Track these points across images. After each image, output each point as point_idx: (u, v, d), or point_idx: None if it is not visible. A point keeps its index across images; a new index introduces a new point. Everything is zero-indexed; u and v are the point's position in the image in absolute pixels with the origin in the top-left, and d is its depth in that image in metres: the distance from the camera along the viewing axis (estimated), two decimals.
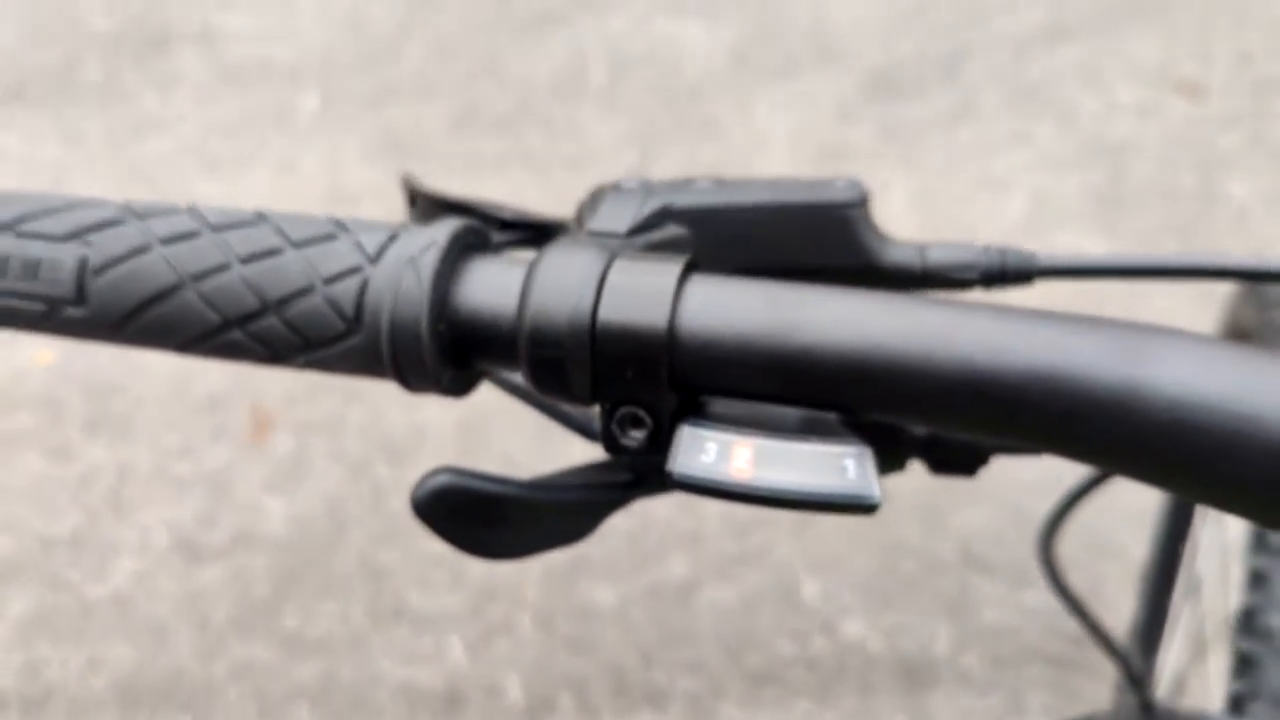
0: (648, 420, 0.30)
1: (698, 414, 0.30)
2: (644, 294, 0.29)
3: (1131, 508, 1.22)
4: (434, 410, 1.57)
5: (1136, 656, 0.75)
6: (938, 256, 0.37)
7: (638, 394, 0.30)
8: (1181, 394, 0.25)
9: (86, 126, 1.96)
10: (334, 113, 1.94)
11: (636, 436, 0.30)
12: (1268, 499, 0.25)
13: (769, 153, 1.81)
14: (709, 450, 0.29)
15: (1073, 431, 0.26)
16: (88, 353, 1.62)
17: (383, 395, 1.59)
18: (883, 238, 0.37)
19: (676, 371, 0.29)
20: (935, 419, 0.29)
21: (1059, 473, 1.33)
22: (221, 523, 1.50)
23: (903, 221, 1.63)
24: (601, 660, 1.35)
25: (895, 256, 0.36)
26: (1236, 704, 0.60)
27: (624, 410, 0.30)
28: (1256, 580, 0.67)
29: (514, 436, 1.53)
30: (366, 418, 1.58)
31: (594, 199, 0.38)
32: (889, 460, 0.36)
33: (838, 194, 0.35)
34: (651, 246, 0.34)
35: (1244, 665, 0.62)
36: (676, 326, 0.29)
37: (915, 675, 1.30)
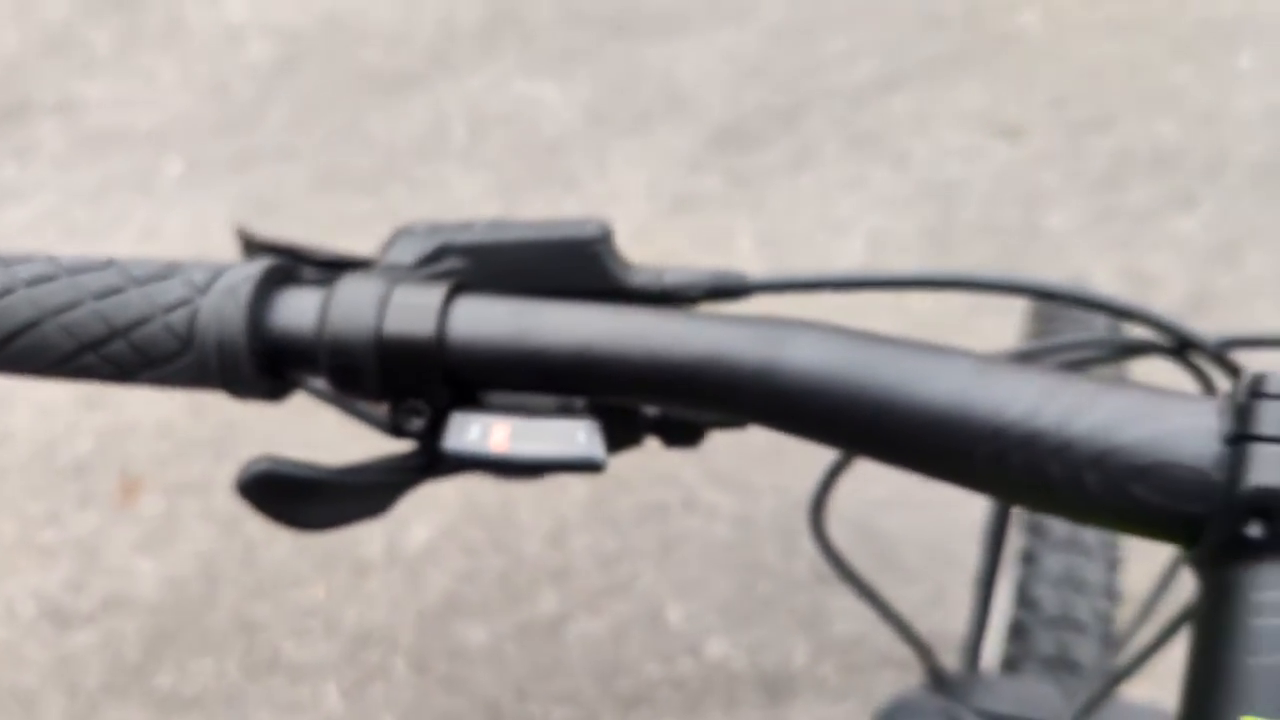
0: (426, 410, 0.37)
1: (469, 404, 0.38)
2: (417, 310, 0.36)
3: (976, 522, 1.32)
4: None
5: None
6: (670, 279, 0.44)
7: (417, 390, 0.37)
8: (805, 368, 0.33)
9: None
10: (197, 177, 1.96)
11: (417, 424, 0.37)
12: (890, 448, 0.33)
13: (626, 203, 1.89)
14: (473, 430, 0.37)
15: (736, 401, 0.34)
16: None
17: (252, 451, 1.61)
18: (626, 265, 0.44)
19: (446, 371, 0.36)
20: (644, 398, 0.36)
21: (905, 490, 1.43)
22: (91, 587, 1.49)
23: (750, 261, 1.73)
24: (476, 697, 1.39)
25: (636, 280, 0.44)
26: (1010, 664, 0.68)
27: (407, 404, 0.37)
28: (1026, 558, 0.76)
29: None
30: (234, 474, 1.59)
31: (390, 240, 0.45)
32: (627, 436, 0.43)
33: (586, 232, 0.43)
34: (433, 275, 0.41)
35: (1016, 631, 0.70)
36: (444, 335, 0.36)
37: (775, 687, 1.37)
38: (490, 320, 0.36)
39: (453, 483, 1.49)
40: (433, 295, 0.36)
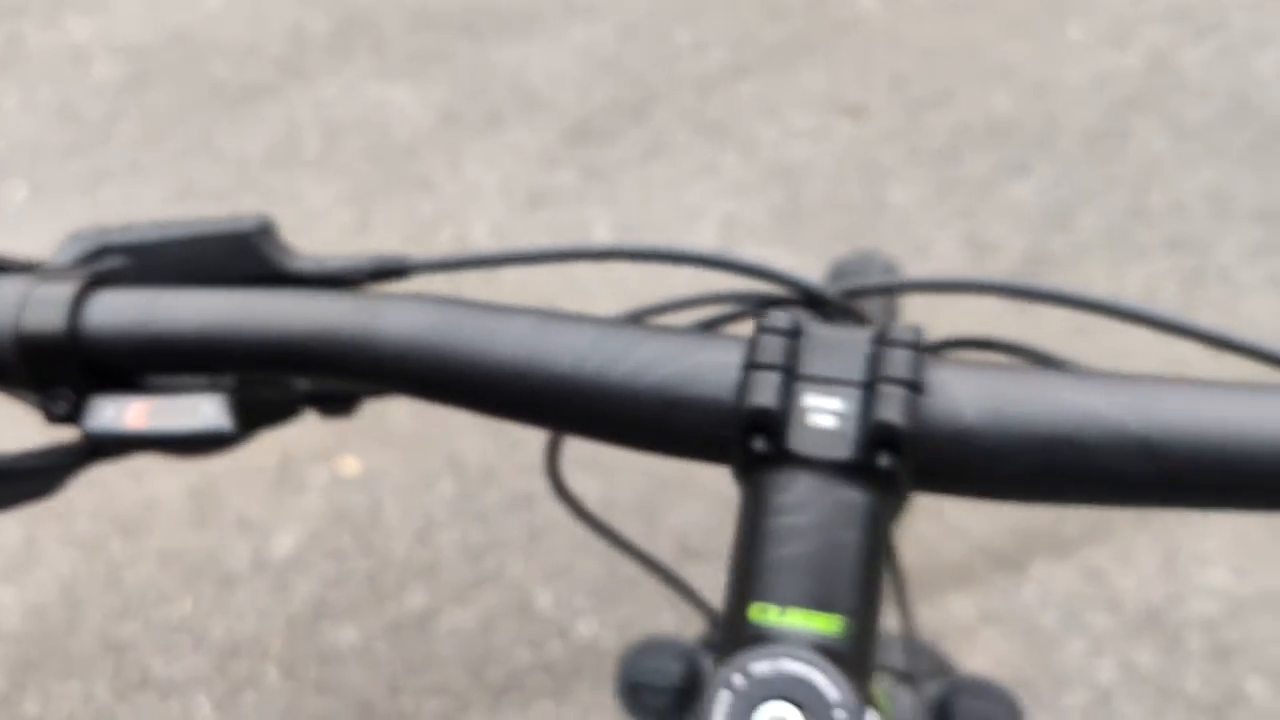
0: (71, 395, 0.40)
1: (118, 387, 0.40)
2: (51, 305, 0.39)
3: None
4: (163, 481, 1.59)
5: None
6: (332, 265, 0.47)
7: (60, 378, 0.39)
8: (397, 333, 0.37)
9: None
10: (44, 200, 1.93)
11: (64, 408, 0.40)
12: (475, 399, 0.37)
13: (482, 200, 1.91)
14: (109, 411, 0.39)
15: (341, 368, 0.38)
16: None
17: (113, 474, 1.60)
18: (291, 254, 0.47)
19: (83, 359, 0.39)
20: (267, 370, 0.39)
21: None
22: None
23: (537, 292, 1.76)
24: (349, 697, 1.40)
25: (301, 266, 0.47)
26: None
27: (53, 391, 0.40)
28: None
29: (245, 497, 1.57)
30: (96, 497, 1.58)
31: (61, 244, 0.47)
32: (283, 409, 0.46)
33: (245, 225, 0.45)
34: (95, 274, 0.43)
35: None
36: (77, 326, 0.39)
37: None
38: (120, 310, 0.39)
39: (318, 490, 1.49)
40: (66, 290, 0.39)
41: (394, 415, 1.65)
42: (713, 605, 0.68)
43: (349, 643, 1.44)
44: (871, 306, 0.88)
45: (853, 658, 0.32)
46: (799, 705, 0.31)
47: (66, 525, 1.55)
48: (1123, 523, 1.50)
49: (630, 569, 1.48)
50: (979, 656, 1.39)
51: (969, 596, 1.44)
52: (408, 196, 1.92)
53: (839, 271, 0.95)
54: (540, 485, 1.57)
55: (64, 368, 0.39)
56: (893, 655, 0.69)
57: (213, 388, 0.40)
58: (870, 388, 0.34)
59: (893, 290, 0.47)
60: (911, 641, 0.71)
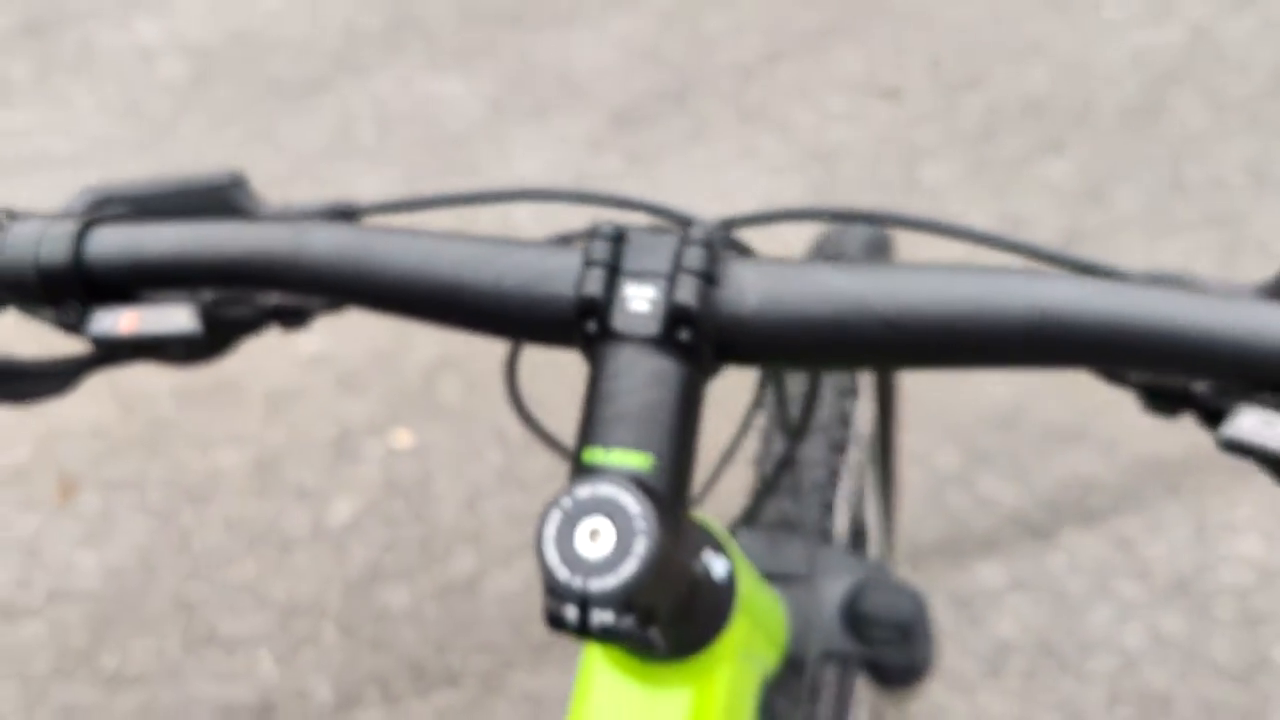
0: (78, 308, 0.50)
1: (112, 301, 0.50)
2: (60, 239, 0.49)
3: None
4: (229, 453, 1.68)
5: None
6: (293, 210, 0.57)
7: (70, 295, 0.50)
8: (320, 251, 0.46)
9: None
10: None
11: (72, 318, 0.50)
12: (388, 304, 0.46)
13: (529, 185, 1.99)
14: (108, 319, 0.49)
15: (279, 281, 0.47)
16: None
17: (181, 446, 1.70)
18: (259, 202, 0.56)
19: (85, 280, 0.49)
20: (224, 285, 0.49)
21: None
22: (36, 582, 1.58)
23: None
24: (400, 654, 1.48)
25: (266, 211, 0.56)
26: (748, 517, 0.80)
27: (65, 305, 0.50)
28: (763, 436, 0.89)
29: (304, 468, 1.66)
30: (167, 469, 1.68)
31: (74, 195, 0.56)
32: (251, 323, 0.54)
33: (221, 178, 0.55)
34: (93, 215, 0.52)
35: (757, 492, 0.81)
36: (79, 254, 0.49)
37: None
38: (111, 240, 0.49)
39: (373, 461, 1.58)
40: (70, 227, 0.49)
41: (444, 391, 1.73)
42: None
43: (401, 604, 1.52)
44: (856, 249, 0.95)
45: (662, 488, 0.41)
46: (610, 518, 0.39)
47: (141, 495, 1.65)
48: (1154, 493, 1.53)
49: None
50: (1006, 620, 1.43)
51: (998, 564, 1.48)
52: (457, 182, 2.00)
53: (826, 241, 1.00)
54: None
55: (71, 287, 0.49)
56: (833, 561, 0.75)
57: (190, 302, 0.50)
58: (673, 278, 0.42)
59: (769, 221, 0.55)
60: (855, 555, 0.77)
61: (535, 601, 1.50)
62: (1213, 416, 0.42)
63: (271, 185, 2.06)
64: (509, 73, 2.21)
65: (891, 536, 0.87)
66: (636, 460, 0.41)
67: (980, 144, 2.00)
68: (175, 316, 0.49)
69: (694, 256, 0.42)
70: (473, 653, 1.47)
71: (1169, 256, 1.79)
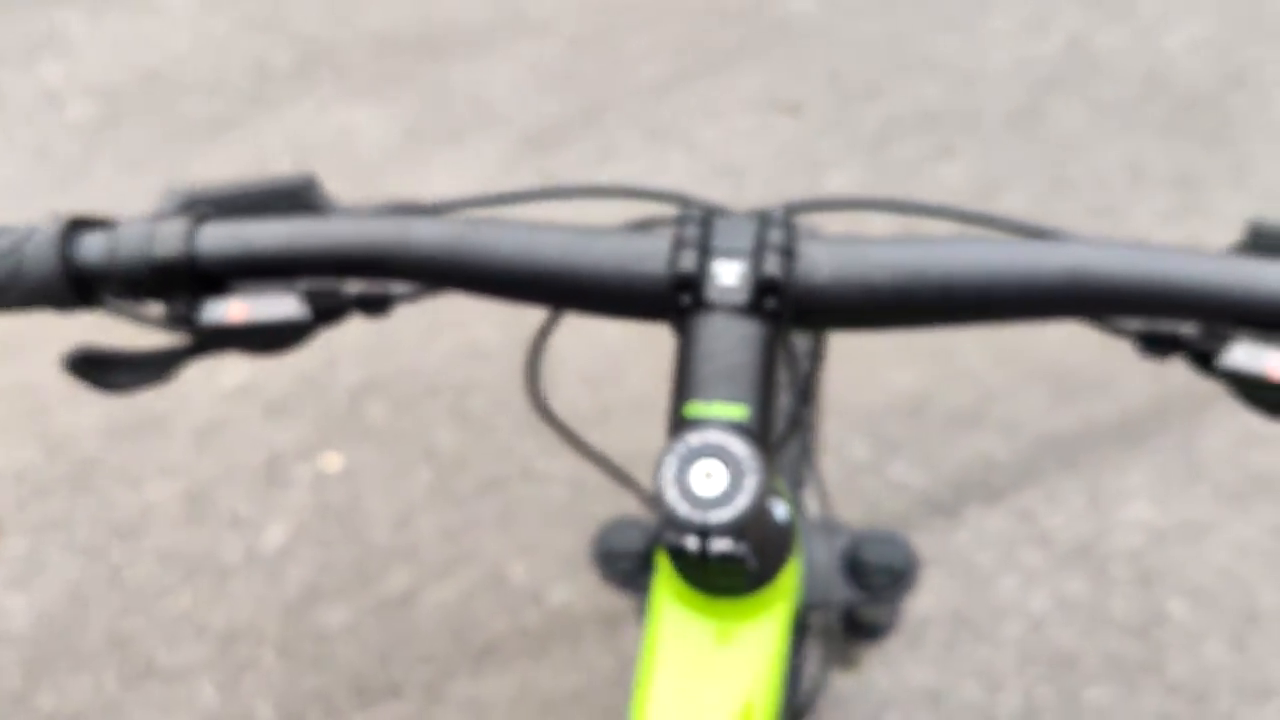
0: (188, 300, 0.53)
1: (218, 292, 0.54)
2: (173, 236, 0.53)
3: None
4: (158, 487, 1.69)
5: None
6: (361, 209, 0.60)
7: (181, 288, 0.53)
8: (425, 239, 0.52)
9: None
10: None
11: (182, 310, 0.53)
12: (484, 286, 0.51)
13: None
14: (217, 309, 0.53)
15: (386, 268, 0.52)
16: None
17: (109, 483, 1.71)
18: (330, 201, 0.59)
19: (195, 273, 0.53)
20: (332, 273, 0.53)
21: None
22: None
23: None
24: (342, 672, 1.50)
25: (337, 211, 0.60)
26: None
27: (174, 297, 0.53)
28: None
29: (235, 496, 1.67)
30: (96, 507, 1.68)
31: (160, 198, 0.59)
32: (335, 311, 0.57)
33: (296, 180, 0.58)
34: (199, 213, 0.55)
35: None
36: (192, 250, 0.52)
37: (614, 621, 1.51)
38: (221, 236, 0.53)
39: (303, 485, 1.61)
40: (182, 225, 0.53)
41: (371, 414, 1.76)
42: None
43: (340, 623, 1.55)
44: None
45: (756, 433, 0.48)
46: (721, 460, 0.46)
47: (69, 534, 1.65)
48: (1050, 468, 1.62)
49: None
50: (922, 595, 1.50)
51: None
52: None
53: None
54: (512, 468, 1.68)
55: (183, 280, 0.52)
56: (812, 515, 0.81)
57: (287, 292, 0.54)
58: (758, 255, 0.48)
59: (828, 208, 0.62)
60: (830, 517, 0.84)
61: (472, 613, 1.54)
62: (1199, 356, 0.50)
63: None
64: (423, 99, 2.26)
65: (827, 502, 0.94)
66: (736, 411, 0.47)
67: (879, 152, 2.10)
68: (285, 304, 0.53)
69: (776, 235, 0.48)
70: (414, 664, 1.50)
71: None
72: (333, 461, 1.71)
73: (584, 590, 1.55)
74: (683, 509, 0.45)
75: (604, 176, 2.08)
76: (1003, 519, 1.57)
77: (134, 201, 2.08)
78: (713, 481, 0.45)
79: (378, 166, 2.13)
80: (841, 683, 1.41)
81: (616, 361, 1.79)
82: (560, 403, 0.76)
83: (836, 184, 2.04)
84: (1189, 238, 1.90)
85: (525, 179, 2.09)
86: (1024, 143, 2.10)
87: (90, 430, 1.76)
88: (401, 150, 2.16)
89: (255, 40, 2.41)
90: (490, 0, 2.49)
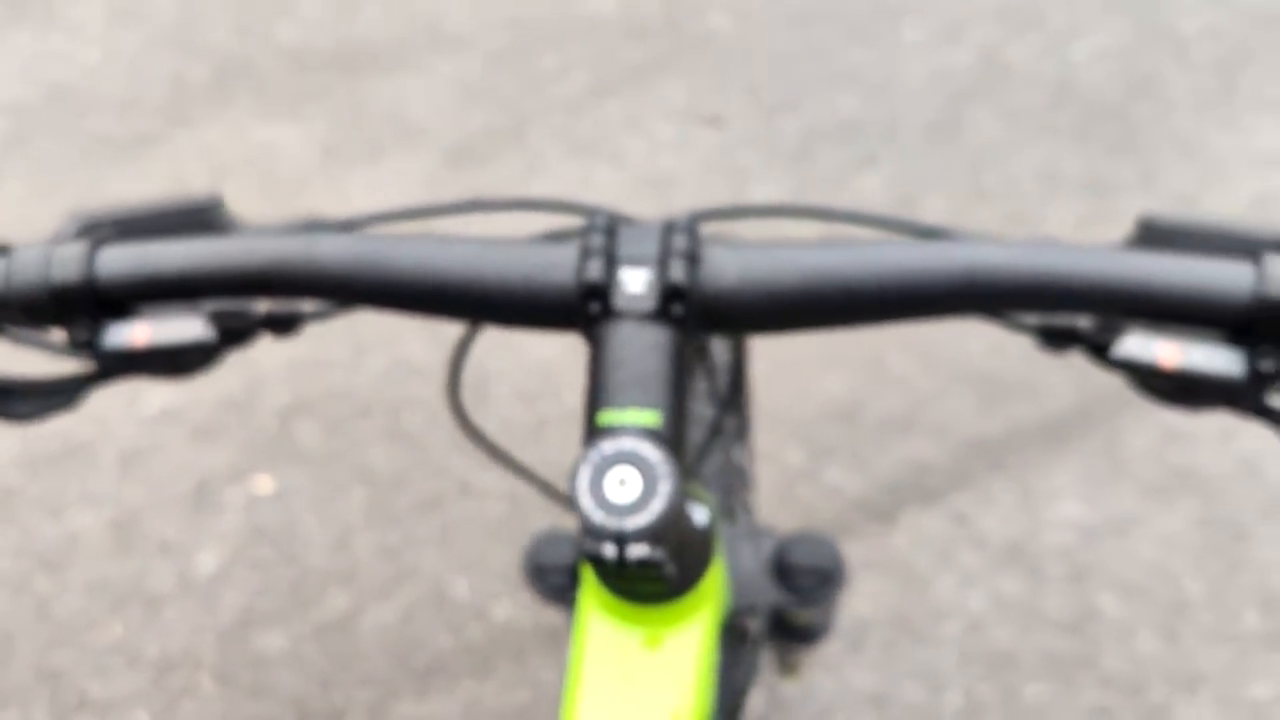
0: (90, 325, 0.52)
1: (120, 317, 0.52)
2: (72, 260, 0.51)
3: None
4: (82, 516, 1.64)
5: None
6: (267, 228, 0.59)
7: (81, 313, 0.51)
8: (330, 255, 0.50)
9: None
10: None
11: (84, 335, 0.52)
12: (395, 301, 0.50)
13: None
14: (120, 333, 0.52)
15: (291, 287, 0.51)
16: None
17: (31, 513, 1.65)
18: (235, 222, 0.59)
19: (97, 297, 0.51)
20: (236, 295, 0.51)
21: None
22: None
23: None
24: (282, 697, 1.48)
25: (244, 230, 0.59)
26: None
27: (76, 323, 0.52)
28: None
29: (164, 522, 1.63)
30: (17, 537, 1.63)
31: (61, 222, 0.57)
32: (244, 333, 0.56)
33: (201, 200, 0.57)
34: (99, 235, 0.54)
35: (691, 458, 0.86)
36: (91, 273, 0.51)
37: (559, 635, 1.51)
38: (121, 259, 0.51)
39: (235, 509, 1.59)
40: (80, 248, 0.51)
41: (302, 435, 1.73)
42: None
43: (278, 647, 1.52)
44: None
45: (669, 439, 0.48)
46: (634, 466, 0.46)
47: None
48: (981, 470, 1.67)
49: None
50: (862, 599, 1.53)
51: (848, 548, 1.58)
52: None
53: None
54: (449, 485, 1.67)
55: (83, 305, 0.51)
56: (740, 522, 0.82)
57: (192, 313, 0.53)
58: (664, 261, 0.49)
59: (731, 216, 0.63)
60: (755, 522, 0.85)
61: (415, 631, 1.52)
62: (1095, 348, 0.51)
63: None
64: (341, 117, 2.23)
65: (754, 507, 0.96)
66: (648, 418, 0.48)
67: (800, 163, 2.14)
68: (189, 326, 0.52)
69: (680, 241, 0.49)
70: (357, 687, 1.48)
71: None
72: (264, 484, 1.68)
73: (526, 605, 1.54)
74: (598, 516, 0.45)
75: (530, 191, 2.08)
76: (938, 521, 1.61)
77: (49, 225, 2.02)
78: (627, 488, 0.45)
79: (298, 183, 2.11)
80: (784, 689, 1.43)
81: (550, 377, 1.79)
82: (496, 419, 0.77)
83: (759, 194, 2.07)
84: (1102, 239, 1.97)
85: (448, 196, 2.08)
86: (941, 152, 2.16)
87: (5, 461, 1.71)
88: (321, 167, 2.14)
89: (169, 55, 2.36)
90: (405, 17, 2.48)
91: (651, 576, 0.49)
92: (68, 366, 0.54)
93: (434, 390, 1.78)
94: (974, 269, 0.48)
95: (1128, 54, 2.36)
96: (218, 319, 0.53)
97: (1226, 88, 2.27)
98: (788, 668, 1.23)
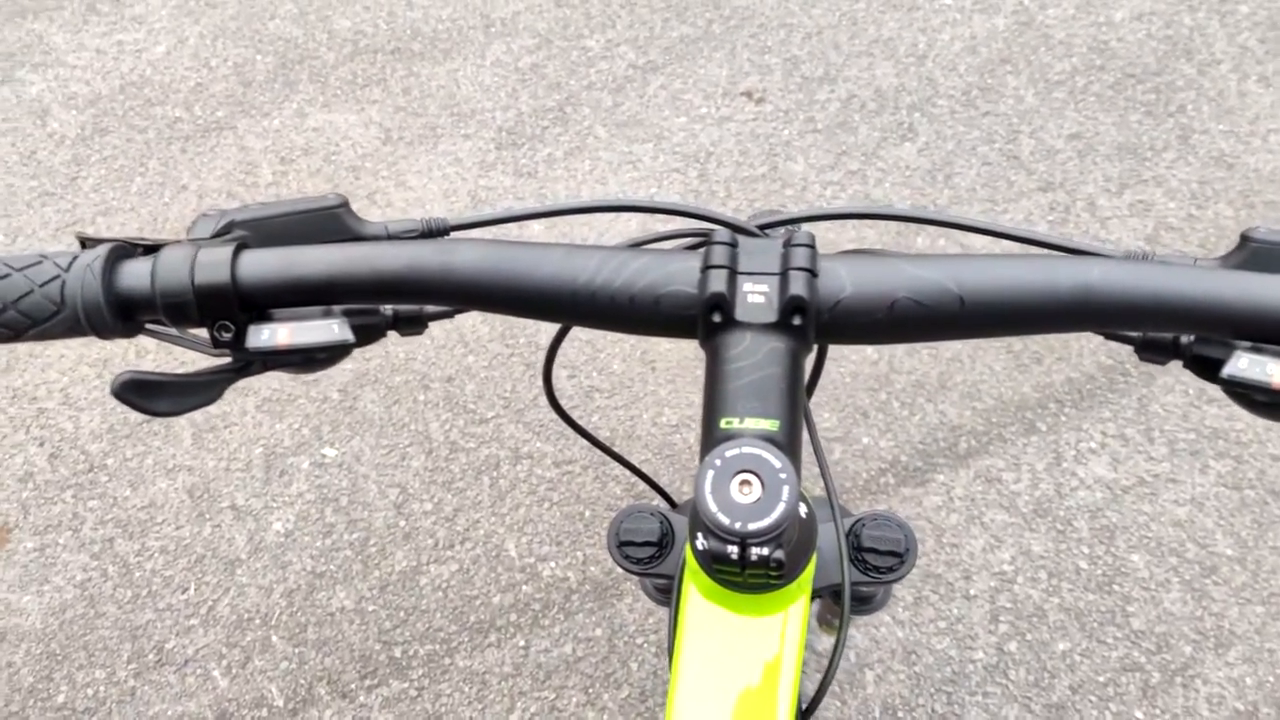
0: (231, 327, 0.54)
1: (262, 319, 0.55)
2: (216, 264, 0.54)
3: None
4: (162, 484, 1.76)
5: None
6: (394, 227, 0.62)
7: (225, 315, 0.54)
8: (468, 264, 0.53)
9: None
10: (20, 245, 2.09)
11: (227, 337, 0.54)
12: (524, 307, 0.54)
13: (427, 206, 2.10)
14: (264, 334, 0.55)
15: (427, 293, 0.54)
16: None
17: (115, 483, 1.77)
18: (363, 222, 0.61)
19: (239, 300, 0.54)
20: (373, 300, 0.55)
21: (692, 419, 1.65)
22: None
23: (545, 236, 1.95)
24: (348, 652, 1.58)
25: (370, 230, 0.61)
26: None
27: (218, 324, 0.54)
28: None
29: (237, 490, 1.74)
30: (101, 506, 1.75)
31: (193, 223, 0.61)
32: (374, 331, 0.60)
33: (330, 201, 0.59)
34: (225, 241, 0.57)
35: None
36: (235, 277, 0.53)
37: (605, 593, 1.59)
38: (264, 263, 0.54)
39: (303, 476, 1.68)
40: (225, 252, 0.54)
41: (364, 404, 1.83)
42: (672, 493, 0.85)
43: (343, 606, 1.62)
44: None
45: (787, 446, 0.50)
46: (756, 472, 0.48)
47: (76, 533, 1.72)
48: (1013, 432, 1.71)
49: (587, 514, 1.67)
50: None
51: (881, 506, 1.64)
52: (359, 208, 2.09)
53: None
54: (502, 451, 1.75)
55: (226, 306, 0.53)
56: (821, 505, 0.88)
57: (328, 315, 0.56)
58: (784, 275, 0.51)
59: (796, 222, 0.65)
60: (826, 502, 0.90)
61: (470, 590, 1.61)
62: (1198, 362, 0.52)
63: (176, 229, 2.14)
64: (398, 102, 2.32)
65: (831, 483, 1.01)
66: (768, 424, 0.50)
67: (838, 134, 2.18)
68: (328, 328, 0.54)
69: (800, 256, 0.51)
70: (417, 642, 1.57)
71: (1011, 220, 1.98)
72: (329, 453, 1.78)
73: (574, 564, 1.62)
74: (724, 519, 0.47)
75: (576, 168, 2.15)
76: (969, 482, 1.65)
77: (123, 209, 2.14)
78: (749, 493, 0.47)
79: (358, 167, 2.19)
80: (817, 643, 1.50)
81: (594, 350, 1.86)
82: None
83: (799, 166, 2.12)
84: (1131, 206, 1.99)
85: (501, 175, 2.16)
86: (977, 119, 2.18)
87: (88, 435, 1.82)
88: (379, 150, 2.22)
89: (232, 45, 2.46)
90: (458, 2, 2.55)
91: (771, 575, 0.50)
92: (199, 362, 0.56)
93: (487, 362, 1.86)
94: (1090, 287, 0.49)
95: (1169, 12, 2.35)
96: (351, 319, 0.55)
97: (1274, 47, 2.26)
98: (826, 625, 1.29)
